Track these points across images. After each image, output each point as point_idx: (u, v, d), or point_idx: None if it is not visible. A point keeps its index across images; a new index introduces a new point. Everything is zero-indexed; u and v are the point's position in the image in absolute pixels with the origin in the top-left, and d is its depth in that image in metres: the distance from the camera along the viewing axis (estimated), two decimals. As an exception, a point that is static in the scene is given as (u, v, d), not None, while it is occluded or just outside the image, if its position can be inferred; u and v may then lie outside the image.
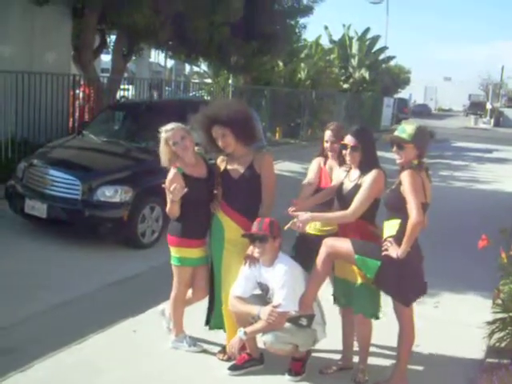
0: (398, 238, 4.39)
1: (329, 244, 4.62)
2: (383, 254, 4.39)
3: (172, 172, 4.97)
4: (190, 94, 22.61)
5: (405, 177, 4.38)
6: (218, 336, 5.37)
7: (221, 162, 5.12)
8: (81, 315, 6.02)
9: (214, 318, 5.30)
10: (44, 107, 12.56)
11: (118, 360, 5.09)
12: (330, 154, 5.21)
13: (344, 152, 4.79)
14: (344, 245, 4.57)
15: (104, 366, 4.97)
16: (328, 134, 5.19)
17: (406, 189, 4.33)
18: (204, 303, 5.39)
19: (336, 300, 5.06)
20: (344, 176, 4.92)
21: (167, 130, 5.01)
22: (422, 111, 63.05)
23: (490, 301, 5.98)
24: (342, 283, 4.87)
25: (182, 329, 5.33)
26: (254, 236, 4.68)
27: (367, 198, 4.60)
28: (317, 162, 5.35)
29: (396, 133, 4.57)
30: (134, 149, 9.41)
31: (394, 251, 4.33)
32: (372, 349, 5.09)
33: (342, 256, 4.61)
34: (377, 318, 4.81)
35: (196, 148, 5.17)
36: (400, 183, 4.45)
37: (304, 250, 5.06)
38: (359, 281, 4.68)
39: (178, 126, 5.04)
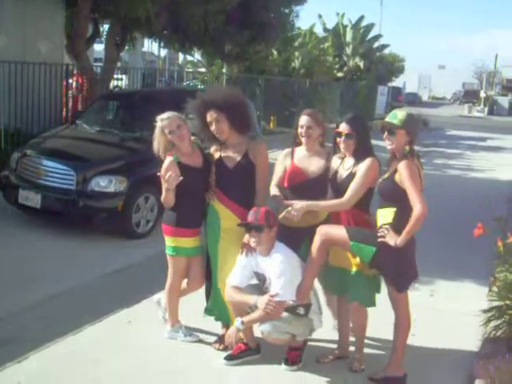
0: (393, 226, 4.38)
1: (323, 231, 4.61)
2: (379, 240, 4.38)
3: (168, 160, 4.94)
4: (184, 84, 22.55)
5: (403, 168, 4.35)
6: (214, 325, 5.36)
7: (215, 151, 5.09)
8: (76, 306, 6.00)
9: (209, 306, 5.28)
10: (37, 97, 12.48)
11: (114, 351, 5.07)
12: (304, 140, 5.01)
13: (338, 140, 4.76)
14: (338, 232, 4.56)
15: (99, 356, 4.95)
16: (305, 118, 4.99)
17: (406, 181, 4.30)
18: (199, 293, 5.37)
19: (328, 289, 5.09)
20: (338, 164, 4.89)
21: (163, 119, 4.99)
22: (412, 100, 62.90)
23: (485, 289, 5.98)
24: (336, 272, 4.84)
25: (177, 319, 5.32)
26: (249, 225, 4.66)
27: (362, 186, 4.59)
28: (282, 162, 5.15)
29: (387, 118, 4.55)
30: (128, 138, 9.36)
31: (392, 239, 4.31)
32: (368, 339, 5.10)
33: (336, 243, 4.59)
34: (372, 305, 4.79)
35: (192, 138, 5.14)
36: (395, 172, 4.42)
37: (289, 243, 4.88)
38: (354, 268, 4.67)
39: (174, 115, 5.01)
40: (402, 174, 4.34)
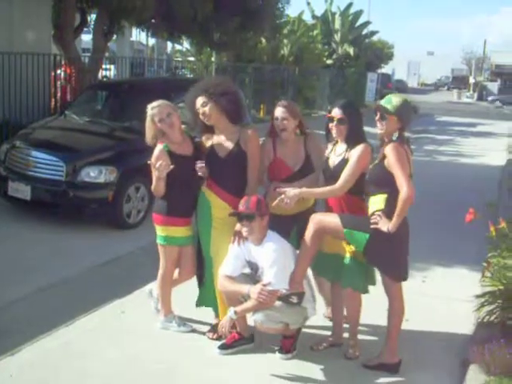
0: (386, 213, 4.36)
1: (316, 220, 4.59)
2: (372, 227, 4.37)
3: (158, 149, 4.91)
4: (173, 73, 22.43)
5: (390, 151, 4.33)
6: (208, 315, 5.34)
7: (206, 140, 5.05)
8: (68, 297, 5.96)
9: (202, 296, 5.27)
10: (25, 88, 12.37)
11: (107, 342, 5.04)
12: (280, 132, 4.97)
13: (330, 125, 4.74)
14: (332, 220, 4.54)
15: (93, 348, 4.92)
16: (280, 110, 4.96)
17: (393, 163, 4.29)
18: (192, 282, 5.35)
19: (321, 276, 5.10)
20: (329, 151, 4.87)
21: (153, 107, 4.96)
22: (399, 87, 62.69)
23: (478, 274, 5.99)
24: (330, 258, 4.84)
25: (170, 309, 5.29)
26: (241, 215, 4.63)
27: (355, 173, 4.57)
28: (265, 152, 5.07)
29: (382, 102, 4.52)
30: (118, 128, 9.30)
31: (385, 225, 4.30)
32: (362, 325, 5.09)
33: (329, 231, 4.57)
34: (366, 291, 4.80)
35: (183, 126, 5.11)
36: (384, 158, 4.40)
37: (278, 231, 4.82)
38: (348, 254, 4.66)
39: (164, 103, 4.99)
40: (389, 156, 4.32)
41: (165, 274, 5.17)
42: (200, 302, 5.32)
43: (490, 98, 58.15)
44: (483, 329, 5.19)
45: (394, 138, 4.42)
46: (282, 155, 5.04)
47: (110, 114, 10.13)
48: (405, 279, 4.63)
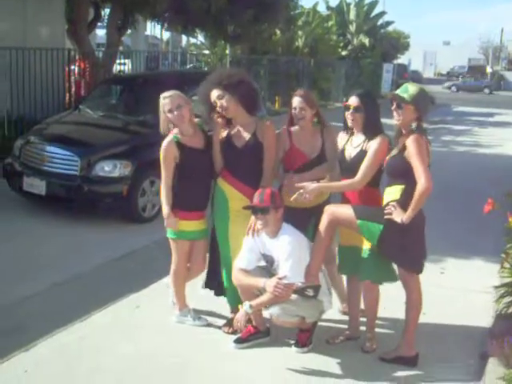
0: (401, 203, 4.31)
1: (330, 211, 4.56)
2: (386, 217, 4.31)
3: (167, 139, 4.91)
4: (188, 66, 22.41)
5: (411, 142, 4.26)
6: (223, 309, 5.32)
7: (223, 131, 4.99)
8: (83, 292, 5.96)
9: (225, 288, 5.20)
10: (39, 83, 12.42)
11: (122, 336, 5.03)
12: (298, 121, 5.02)
13: (346, 113, 4.69)
14: (345, 211, 4.51)
15: (108, 343, 4.92)
16: (297, 100, 4.98)
17: (413, 154, 4.23)
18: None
19: (340, 269, 5.02)
20: (345, 141, 4.83)
21: (165, 97, 4.94)
22: (414, 77, 62.19)
23: (496, 266, 5.92)
24: (348, 251, 4.80)
25: (185, 303, 5.27)
26: (255, 208, 4.59)
27: (373, 166, 4.54)
28: (280, 143, 5.07)
29: (398, 91, 4.46)
30: (132, 122, 9.30)
31: (399, 216, 4.24)
32: (379, 319, 5.04)
33: (343, 223, 4.54)
34: (391, 281, 4.72)
35: (196, 119, 5.08)
36: (404, 148, 4.34)
37: (294, 224, 4.78)
38: (366, 246, 4.60)
39: (176, 94, 4.95)
40: (410, 148, 4.26)
41: (177, 269, 5.15)
42: (223, 294, 5.26)
43: (446, 84, 59.70)
44: (502, 321, 5.12)
45: (414, 128, 4.36)
46: (298, 143, 5.04)
47: (125, 108, 10.15)
48: (420, 271, 4.57)
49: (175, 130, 4.93)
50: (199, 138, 5.03)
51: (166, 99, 4.92)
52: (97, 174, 8.08)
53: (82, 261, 6.78)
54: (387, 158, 4.51)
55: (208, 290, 5.36)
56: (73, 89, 13.96)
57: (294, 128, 5.08)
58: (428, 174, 4.18)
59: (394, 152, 4.46)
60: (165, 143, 4.90)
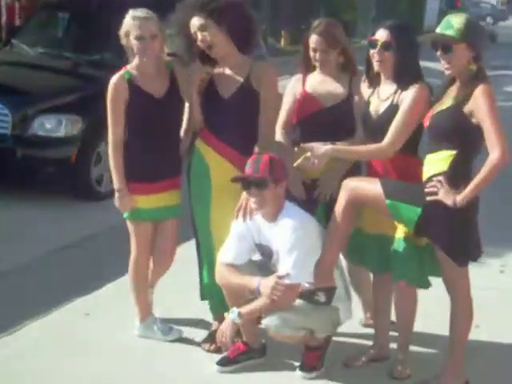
0: (450, 177, 4.24)
1: (350, 187, 4.51)
2: (429, 198, 4.26)
3: (116, 76, 4.91)
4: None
5: (481, 94, 4.18)
6: (202, 316, 5.35)
7: (205, 76, 4.94)
8: (18, 293, 5.95)
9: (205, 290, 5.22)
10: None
11: (65, 356, 4.98)
12: (318, 65, 5.03)
13: (372, 52, 4.61)
14: (371, 186, 4.47)
15: (44, 365, 4.86)
16: (316, 39, 4.95)
17: (486, 112, 4.14)
18: (180, 271, 5.45)
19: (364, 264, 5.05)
20: (370, 93, 4.78)
21: (135, 18, 4.82)
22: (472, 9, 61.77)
23: None
24: (375, 241, 4.79)
25: (148, 310, 5.25)
26: (247, 180, 4.54)
27: (409, 125, 4.48)
28: (291, 92, 5.16)
29: (439, 29, 4.38)
30: (84, 63, 9.40)
31: (448, 196, 4.17)
32: (415, 335, 4.97)
33: (367, 202, 4.53)
34: (426, 285, 4.71)
35: (167, 58, 5.08)
36: (463, 100, 4.26)
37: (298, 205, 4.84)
38: (400, 235, 4.57)
39: (153, 18, 4.86)
40: (480, 103, 4.17)
41: (136, 260, 5.14)
42: (204, 297, 5.28)
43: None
44: None
45: (474, 74, 4.26)
46: (312, 89, 5.06)
47: (74, 42, 10.24)
48: (475, 260, 4.53)
49: (131, 65, 4.92)
50: (161, 82, 4.97)
51: (137, 21, 4.80)
52: (35, 134, 8.12)
53: (13, 252, 6.77)
54: (431, 113, 4.44)
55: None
56: (4, 17, 13.91)
57: (312, 73, 5.10)
58: (505, 141, 4.10)
59: (448, 104, 4.38)
60: (113, 79, 4.89)
